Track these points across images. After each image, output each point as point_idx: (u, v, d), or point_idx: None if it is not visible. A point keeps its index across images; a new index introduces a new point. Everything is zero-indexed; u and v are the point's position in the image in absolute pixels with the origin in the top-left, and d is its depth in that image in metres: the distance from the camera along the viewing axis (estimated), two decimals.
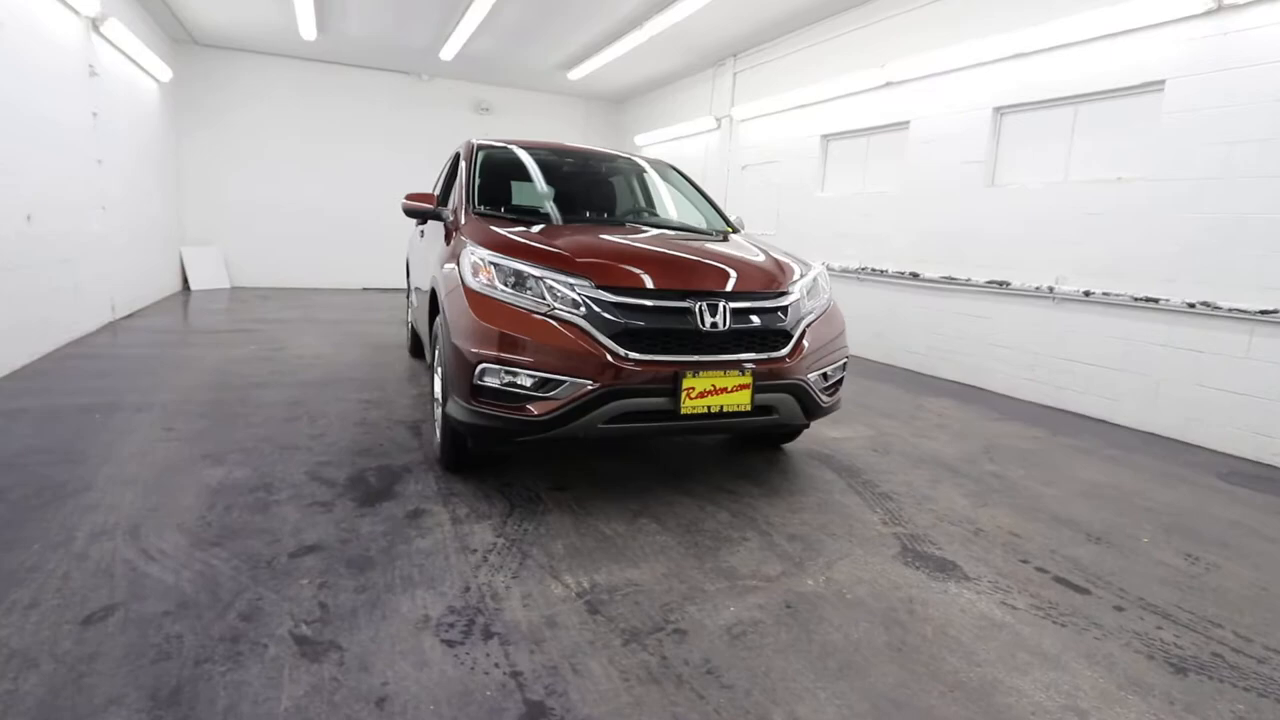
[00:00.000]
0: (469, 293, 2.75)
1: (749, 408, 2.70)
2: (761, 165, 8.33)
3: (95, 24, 5.96)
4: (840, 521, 2.83)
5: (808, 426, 3.53)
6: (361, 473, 3.07)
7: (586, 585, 2.21)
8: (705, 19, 7.15)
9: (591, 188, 4.36)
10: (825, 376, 3.00)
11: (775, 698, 1.72)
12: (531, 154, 4.14)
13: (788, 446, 3.79)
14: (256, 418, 3.80)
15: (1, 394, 3.99)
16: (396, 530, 2.52)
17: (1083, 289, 4.75)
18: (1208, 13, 4.05)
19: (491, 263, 2.77)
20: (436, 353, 3.23)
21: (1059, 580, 2.41)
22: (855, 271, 6.75)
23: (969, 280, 5.60)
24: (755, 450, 3.72)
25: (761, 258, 3.19)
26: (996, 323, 5.43)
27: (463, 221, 3.35)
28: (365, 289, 10.73)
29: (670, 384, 2.58)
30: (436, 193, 4.50)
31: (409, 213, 3.73)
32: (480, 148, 4.02)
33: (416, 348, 5.58)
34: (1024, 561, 2.55)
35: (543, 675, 1.74)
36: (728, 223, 4.08)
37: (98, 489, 2.75)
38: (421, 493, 2.88)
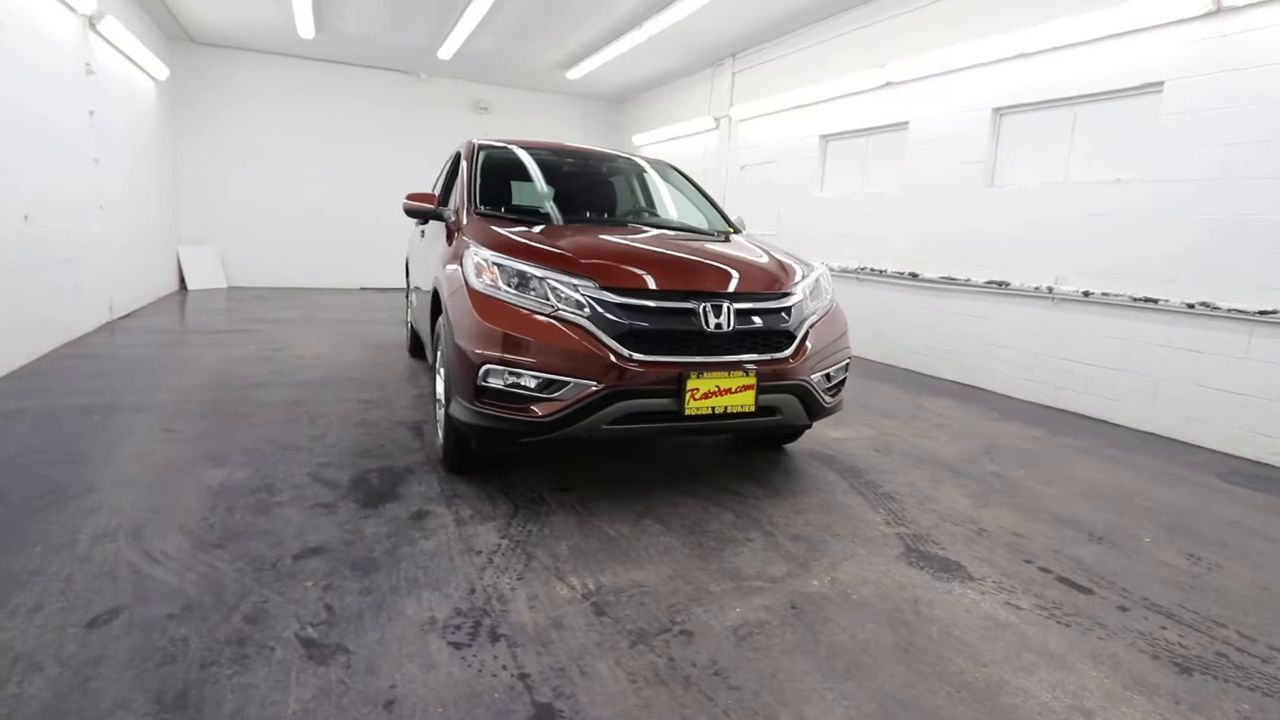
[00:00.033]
0: (472, 293, 2.74)
1: (753, 409, 2.70)
2: (760, 165, 8.34)
3: (92, 22, 5.93)
4: (844, 522, 2.83)
5: (810, 427, 3.54)
6: (364, 474, 3.06)
7: (592, 587, 2.21)
8: (705, 19, 7.15)
9: (592, 188, 4.35)
10: (828, 377, 3.01)
11: (783, 699, 1.72)
12: (532, 154, 4.14)
13: (789, 447, 3.79)
14: (257, 418, 3.79)
15: (0, 395, 3.97)
16: (400, 532, 2.51)
17: (1082, 289, 4.76)
18: (1207, 14, 4.07)
19: (495, 263, 2.76)
20: (439, 353, 3.22)
21: (1062, 580, 2.42)
22: (854, 272, 6.76)
23: (968, 280, 5.61)
24: (757, 451, 3.72)
25: (764, 258, 3.20)
26: (996, 323, 5.45)
27: (465, 222, 3.34)
28: (363, 289, 10.71)
29: (675, 385, 2.58)
30: (437, 193, 4.49)
31: (410, 213, 3.72)
32: (481, 148, 4.01)
33: (416, 348, 5.57)
34: (1027, 562, 2.55)
35: (550, 677, 1.74)
36: (729, 223, 4.09)
37: (99, 490, 2.73)
38: (424, 494, 2.88)
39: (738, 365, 2.69)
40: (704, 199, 4.31)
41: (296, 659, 1.75)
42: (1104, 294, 4.63)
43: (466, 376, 2.64)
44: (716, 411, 2.64)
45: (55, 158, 5.26)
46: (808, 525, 2.78)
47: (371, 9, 7.66)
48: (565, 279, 2.66)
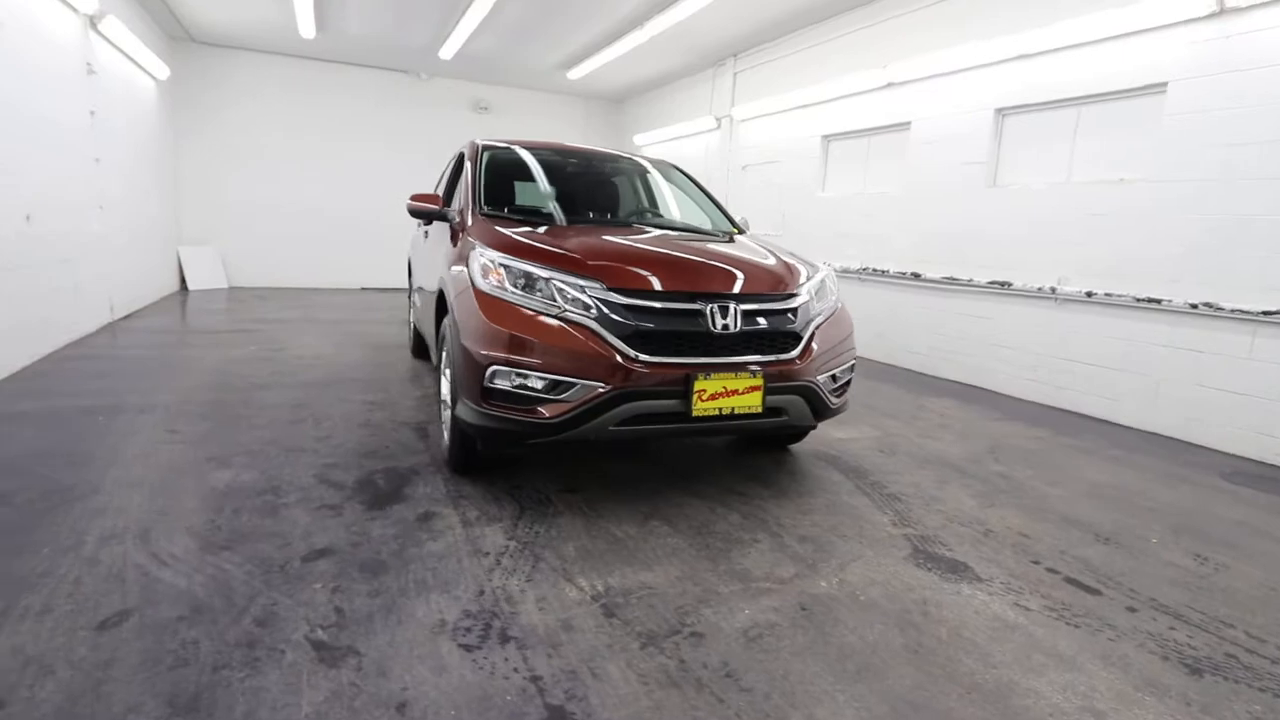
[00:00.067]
0: (479, 294, 2.74)
1: (760, 410, 2.70)
2: (762, 165, 8.34)
3: (93, 21, 5.91)
4: (850, 523, 2.84)
5: (815, 428, 3.53)
6: (369, 475, 3.06)
7: (601, 588, 2.20)
8: (706, 19, 7.14)
9: (596, 188, 4.35)
10: (834, 378, 3.01)
11: (794, 701, 1.72)
12: (535, 154, 4.14)
13: (794, 447, 3.79)
14: (260, 419, 3.78)
15: (3, 396, 3.96)
16: (407, 533, 2.51)
17: (1085, 290, 4.77)
18: (1211, 16, 4.07)
19: (501, 264, 2.76)
20: (444, 354, 3.22)
21: (1070, 581, 2.42)
22: (856, 272, 6.76)
23: (971, 281, 5.62)
24: (762, 451, 3.72)
25: (770, 259, 3.20)
26: (998, 323, 5.45)
27: (469, 222, 3.34)
28: (364, 289, 10.69)
29: (682, 386, 2.58)
30: (440, 193, 4.49)
31: (414, 213, 3.72)
32: (485, 148, 4.00)
33: (418, 348, 5.57)
34: (1035, 562, 2.56)
35: (562, 679, 1.74)
36: (733, 223, 4.08)
37: (104, 492, 2.73)
38: (430, 495, 2.87)
39: (745, 366, 2.69)
40: (708, 199, 4.31)
41: (308, 661, 1.75)
42: (1107, 294, 4.63)
43: (473, 378, 2.64)
44: (724, 413, 2.64)
45: (56, 158, 5.25)
46: (814, 526, 2.78)
47: (373, 9, 7.65)
48: (572, 280, 2.66)
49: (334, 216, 10.34)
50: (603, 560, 2.39)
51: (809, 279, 3.10)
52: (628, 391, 2.53)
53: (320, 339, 6.34)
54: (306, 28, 8.12)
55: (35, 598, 1.96)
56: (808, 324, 2.92)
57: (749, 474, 3.35)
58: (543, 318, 2.61)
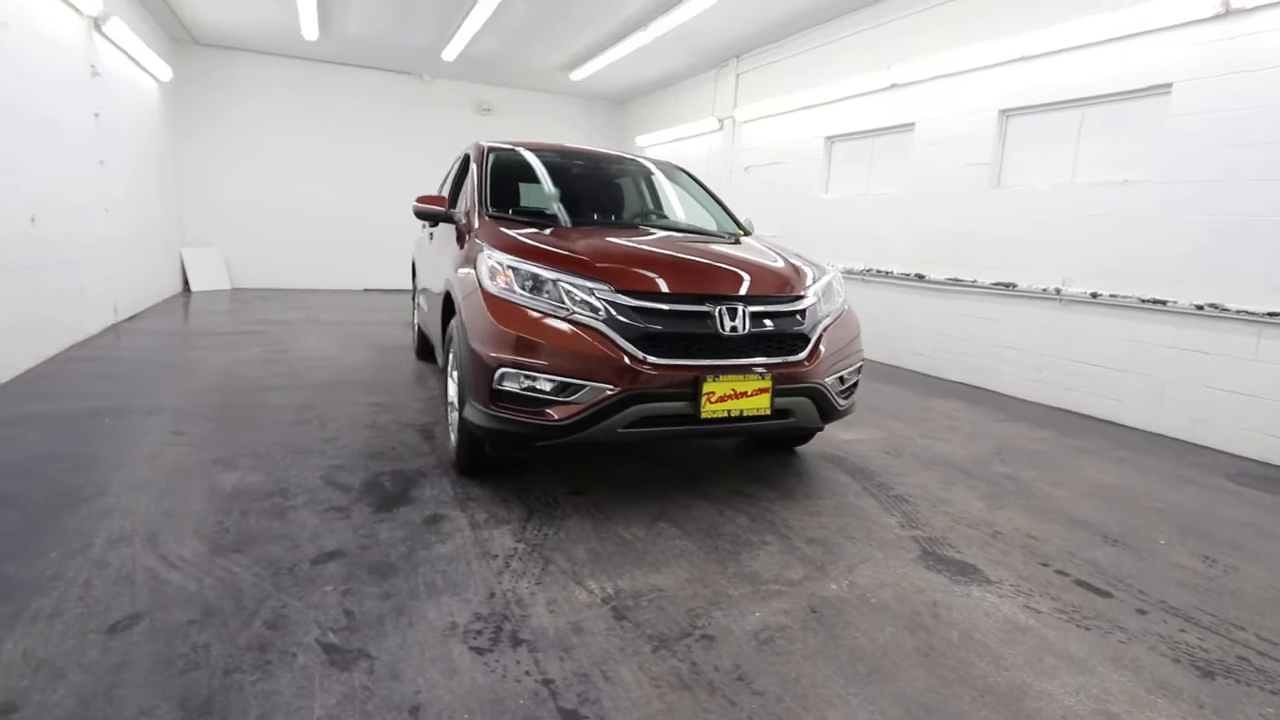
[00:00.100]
0: (487, 296, 2.74)
1: (768, 411, 2.70)
2: (765, 167, 8.34)
3: (97, 23, 5.92)
4: (858, 525, 2.83)
5: (822, 429, 3.53)
6: (376, 477, 3.06)
7: (611, 591, 2.20)
8: (710, 20, 7.15)
9: (601, 190, 4.35)
10: (841, 380, 3.01)
11: (807, 704, 1.71)
12: (540, 156, 4.14)
13: (801, 449, 3.79)
14: (266, 421, 3.78)
15: (8, 399, 3.96)
16: (416, 536, 2.51)
17: (1090, 291, 4.76)
18: (1215, 17, 4.07)
19: (510, 266, 2.76)
20: (451, 356, 3.22)
21: (1080, 583, 2.42)
22: (860, 273, 6.76)
23: (975, 282, 5.61)
24: (769, 453, 3.72)
25: (778, 261, 3.19)
26: (1003, 324, 5.45)
27: (476, 225, 3.34)
28: (367, 290, 10.70)
29: (690, 388, 2.58)
30: (445, 194, 4.49)
31: (421, 215, 3.72)
32: (491, 150, 4.00)
33: (423, 350, 5.56)
34: (1044, 564, 2.55)
35: (574, 683, 1.74)
36: (739, 225, 4.08)
37: (112, 494, 2.73)
38: (438, 497, 2.87)
39: (753, 368, 2.69)
40: (713, 201, 4.31)
41: (319, 665, 1.75)
42: (1111, 295, 4.63)
43: (482, 380, 2.64)
44: (732, 414, 2.64)
45: (61, 159, 5.25)
46: (822, 528, 2.78)
47: (375, 10, 7.66)
48: (580, 282, 2.66)
49: (336, 218, 10.35)
50: (612, 563, 2.39)
51: (816, 281, 3.10)
52: (636, 393, 2.53)
53: (324, 340, 6.34)
54: (309, 29, 8.13)
55: (45, 601, 1.96)
56: (815, 326, 2.92)
57: (756, 476, 3.35)
58: (551, 320, 2.60)
